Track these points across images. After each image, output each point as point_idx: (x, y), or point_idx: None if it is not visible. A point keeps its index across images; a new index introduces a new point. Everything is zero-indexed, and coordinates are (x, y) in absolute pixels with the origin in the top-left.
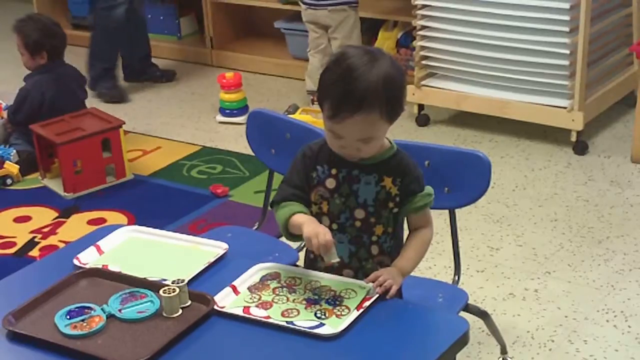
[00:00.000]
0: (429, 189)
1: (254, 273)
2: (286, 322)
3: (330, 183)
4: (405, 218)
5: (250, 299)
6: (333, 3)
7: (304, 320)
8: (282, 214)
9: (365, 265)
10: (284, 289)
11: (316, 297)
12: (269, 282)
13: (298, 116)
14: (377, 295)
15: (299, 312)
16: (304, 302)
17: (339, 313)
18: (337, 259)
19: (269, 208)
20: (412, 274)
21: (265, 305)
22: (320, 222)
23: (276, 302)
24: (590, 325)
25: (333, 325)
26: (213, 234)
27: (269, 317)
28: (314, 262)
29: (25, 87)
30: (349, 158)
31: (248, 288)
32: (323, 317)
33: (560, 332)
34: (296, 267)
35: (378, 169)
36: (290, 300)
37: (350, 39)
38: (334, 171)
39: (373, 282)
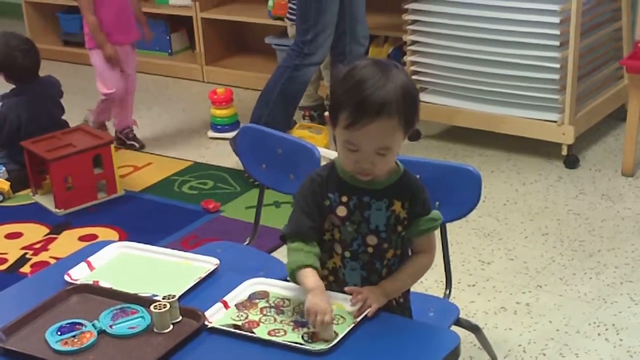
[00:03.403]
0: (435, 213)
1: (244, 289)
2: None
3: (341, 211)
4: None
5: (237, 316)
6: None
7: (291, 342)
8: (293, 261)
9: None
10: (272, 309)
11: (304, 320)
12: (257, 300)
13: (296, 131)
14: (364, 314)
15: (285, 332)
16: (292, 323)
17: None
18: (332, 337)
19: (279, 239)
20: None
21: (252, 325)
22: (333, 249)
23: (263, 322)
24: (582, 338)
25: (318, 348)
26: (204, 250)
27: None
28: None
29: (2, 109)
30: (361, 176)
31: (236, 305)
32: (310, 341)
33: (551, 345)
34: (287, 283)
35: (388, 194)
36: (278, 321)
37: None
38: (344, 199)
39: (352, 294)
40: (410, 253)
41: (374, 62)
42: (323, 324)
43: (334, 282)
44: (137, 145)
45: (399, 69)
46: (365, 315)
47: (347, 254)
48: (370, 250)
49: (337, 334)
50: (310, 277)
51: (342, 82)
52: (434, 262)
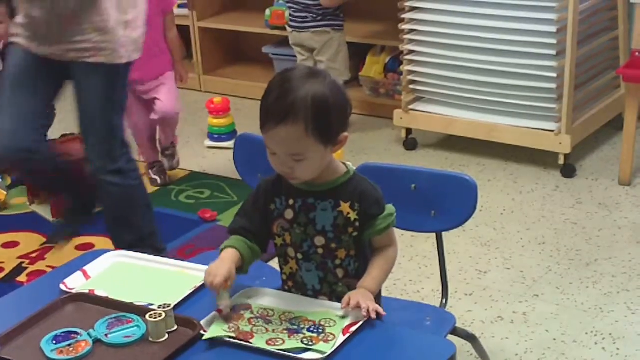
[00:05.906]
0: (390, 208)
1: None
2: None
3: (289, 214)
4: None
5: (229, 327)
6: (316, 25)
7: (292, 349)
8: (224, 244)
9: (336, 289)
10: (259, 319)
11: (295, 327)
12: (242, 312)
13: None
14: (364, 320)
15: (284, 341)
16: (285, 331)
17: (325, 339)
18: (227, 307)
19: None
20: (400, 297)
21: (247, 336)
22: (286, 253)
23: (256, 333)
24: (579, 348)
25: (323, 349)
26: (201, 259)
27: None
28: (289, 290)
29: None
30: (289, 179)
31: (224, 317)
32: (310, 343)
33: (548, 355)
34: (271, 291)
35: (333, 195)
36: (270, 330)
37: (336, 61)
38: (291, 202)
39: (349, 306)
40: (372, 250)
41: (303, 69)
42: (212, 285)
43: (293, 287)
44: (158, 180)
45: (323, 78)
46: (366, 321)
47: (300, 255)
48: (320, 251)
49: (324, 331)
50: (225, 252)
51: (270, 82)
52: (431, 271)
